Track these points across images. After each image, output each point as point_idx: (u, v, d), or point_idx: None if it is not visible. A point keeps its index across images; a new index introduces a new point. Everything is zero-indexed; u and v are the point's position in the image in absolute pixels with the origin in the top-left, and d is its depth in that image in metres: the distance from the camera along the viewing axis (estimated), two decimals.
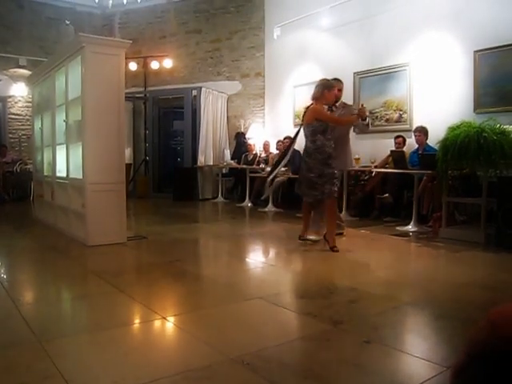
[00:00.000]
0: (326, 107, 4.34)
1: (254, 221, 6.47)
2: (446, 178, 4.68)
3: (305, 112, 4.22)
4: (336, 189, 4.03)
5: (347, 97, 7.08)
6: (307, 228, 4.28)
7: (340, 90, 4.62)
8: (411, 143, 6.05)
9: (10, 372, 1.69)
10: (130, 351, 1.90)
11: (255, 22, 8.93)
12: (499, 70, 5.33)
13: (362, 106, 4.41)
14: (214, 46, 9.51)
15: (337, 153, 4.13)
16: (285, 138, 7.47)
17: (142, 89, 10.12)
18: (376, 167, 6.05)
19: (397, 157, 5.59)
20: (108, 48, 4.26)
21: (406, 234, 5.00)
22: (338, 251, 3.89)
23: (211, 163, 9.01)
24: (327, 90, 4.11)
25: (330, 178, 3.96)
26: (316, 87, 4.18)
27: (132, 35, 9.50)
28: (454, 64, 5.81)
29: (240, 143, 9.03)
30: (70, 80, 4.60)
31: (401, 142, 6.11)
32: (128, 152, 9.76)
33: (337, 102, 4.56)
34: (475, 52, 5.53)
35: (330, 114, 4.36)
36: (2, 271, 3.54)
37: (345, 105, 4.68)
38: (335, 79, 4.64)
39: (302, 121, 4.25)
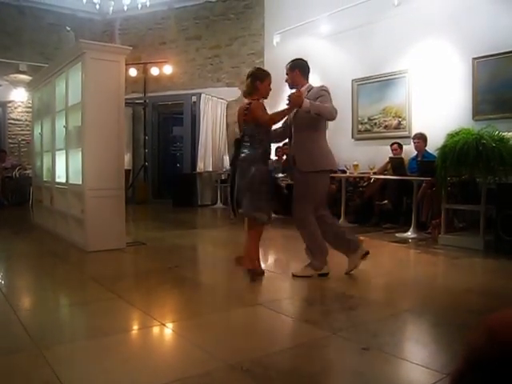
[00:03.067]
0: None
1: None
2: (445, 185, 4.69)
3: (245, 111, 3.36)
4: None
5: (346, 102, 7.14)
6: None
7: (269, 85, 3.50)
8: (410, 150, 6.07)
9: (8, 378, 1.68)
10: (129, 357, 1.89)
11: (255, 29, 8.98)
12: (498, 77, 5.35)
13: (293, 93, 3.26)
14: (214, 53, 9.55)
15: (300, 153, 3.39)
16: (284, 145, 7.48)
17: (141, 95, 10.15)
18: (375, 174, 6.06)
19: (396, 163, 5.60)
20: (108, 54, 4.28)
21: (405, 241, 4.99)
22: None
23: (210, 169, 9.02)
24: (259, 81, 3.39)
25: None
26: (247, 79, 3.45)
27: (132, 41, 9.55)
28: (453, 71, 5.84)
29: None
30: (70, 86, 4.62)
31: (396, 148, 6.13)
32: (127, 158, 9.76)
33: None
34: (474, 59, 5.56)
35: (263, 113, 3.33)
36: (1, 276, 3.53)
37: (311, 88, 3.45)
38: (260, 69, 3.69)
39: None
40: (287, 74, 3.51)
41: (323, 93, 3.31)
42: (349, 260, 3.39)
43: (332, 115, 3.26)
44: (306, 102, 3.20)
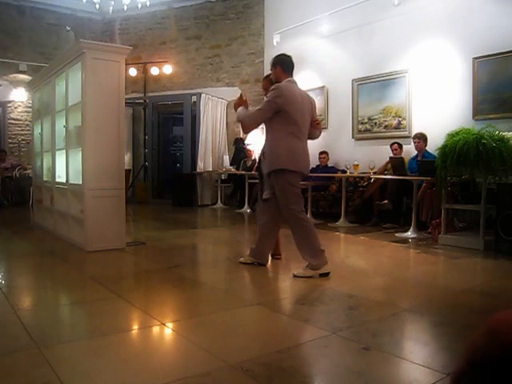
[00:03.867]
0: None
1: (253, 227, 6.44)
2: (445, 185, 4.69)
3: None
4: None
5: (346, 102, 7.14)
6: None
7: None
8: (410, 150, 6.07)
9: (8, 378, 1.68)
10: (129, 357, 1.89)
11: (255, 29, 8.98)
12: (498, 76, 5.35)
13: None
14: (214, 52, 9.55)
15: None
16: None
17: (141, 94, 10.16)
18: (375, 174, 6.06)
19: (396, 163, 5.60)
20: (108, 54, 4.28)
21: (405, 241, 4.99)
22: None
23: (210, 169, 9.02)
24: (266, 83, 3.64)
25: None
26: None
27: (132, 41, 9.57)
28: (453, 71, 5.84)
29: (239, 149, 9.04)
30: (70, 86, 4.62)
31: (396, 147, 6.13)
32: (127, 157, 9.77)
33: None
34: (474, 59, 5.56)
35: None
36: (1, 276, 3.53)
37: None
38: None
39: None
40: (271, 70, 3.52)
41: (268, 95, 3.34)
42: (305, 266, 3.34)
43: (239, 121, 3.44)
44: (239, 109, 3.45)
